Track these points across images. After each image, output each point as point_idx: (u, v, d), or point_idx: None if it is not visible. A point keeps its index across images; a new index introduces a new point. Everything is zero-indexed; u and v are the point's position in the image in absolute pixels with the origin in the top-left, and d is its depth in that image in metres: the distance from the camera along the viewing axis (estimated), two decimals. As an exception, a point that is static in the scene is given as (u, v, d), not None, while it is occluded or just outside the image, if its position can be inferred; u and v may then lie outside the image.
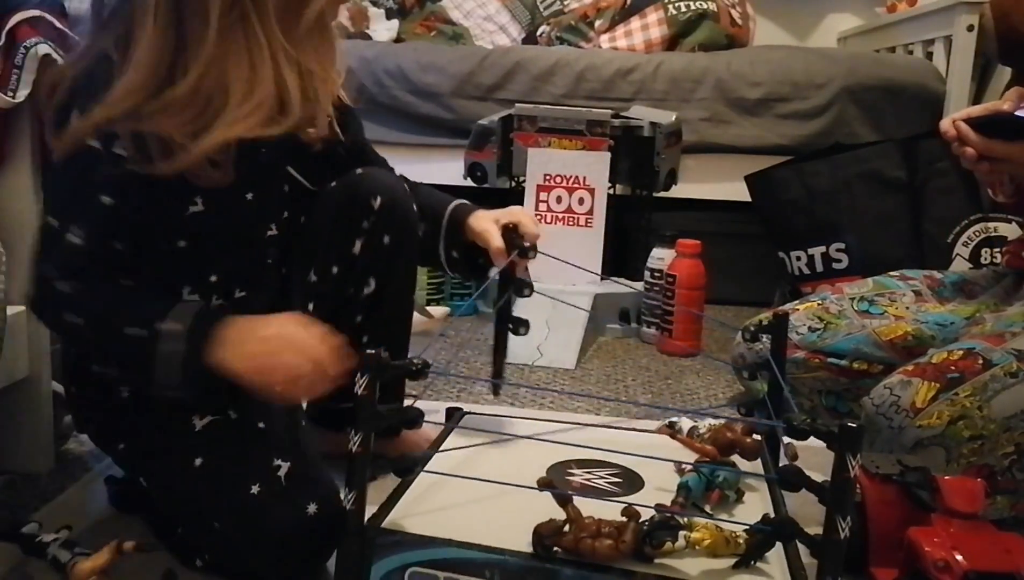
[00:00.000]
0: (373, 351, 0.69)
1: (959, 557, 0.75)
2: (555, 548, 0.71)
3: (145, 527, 0.95)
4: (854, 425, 0.63)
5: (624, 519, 0.72)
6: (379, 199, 1.02)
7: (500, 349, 1.09)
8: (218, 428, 0.87)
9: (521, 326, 1.05)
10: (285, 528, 0.80)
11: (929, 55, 2.38)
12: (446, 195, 1.10)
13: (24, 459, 1.10)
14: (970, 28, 2.16)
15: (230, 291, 0.93)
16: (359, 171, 1.04)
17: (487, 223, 1.04)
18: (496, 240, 1.02)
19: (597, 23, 2.70)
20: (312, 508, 0.81)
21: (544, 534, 0.71)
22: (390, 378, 0.71)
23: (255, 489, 0.81)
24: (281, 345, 0.80)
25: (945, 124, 1.10)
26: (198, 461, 0.85)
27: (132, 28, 0.79)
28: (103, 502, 1.02)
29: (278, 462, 0.83)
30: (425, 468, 0.86)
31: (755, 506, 0.86)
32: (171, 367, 0.78)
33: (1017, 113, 1.02)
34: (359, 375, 0.69)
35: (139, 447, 0.91)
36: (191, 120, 0.79)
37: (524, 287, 1.02)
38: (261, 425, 0.88)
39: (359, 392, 0.69)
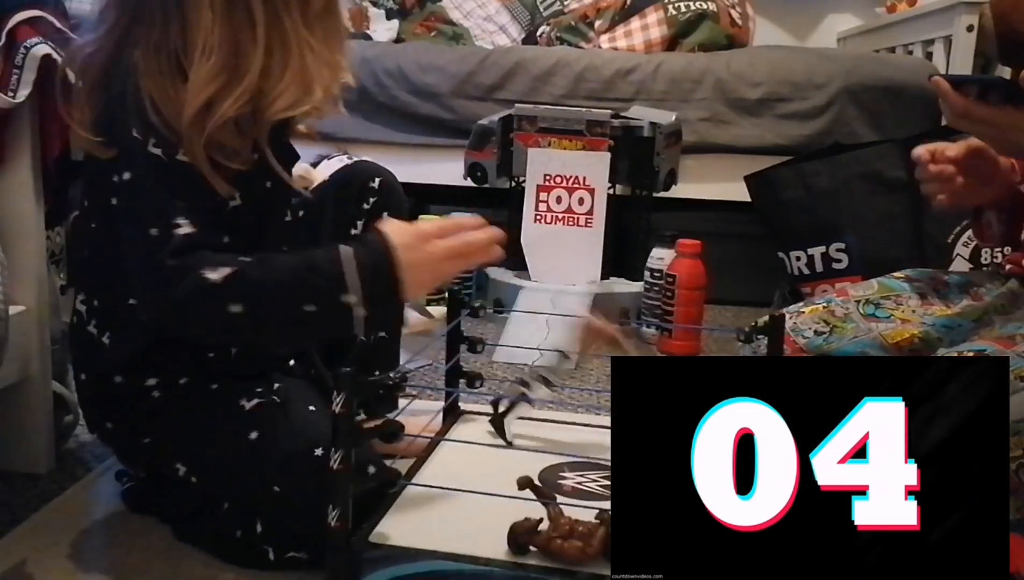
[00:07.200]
0: (348, 370, 0.70)
1: (959, 557, 0.74)
2: (529, 547, 0.72)
3: (156, 525, 0.96)
4: None
5: (597, 523, 0.72)
6: (378, 180, 1.12)
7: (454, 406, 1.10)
8: (267, 407, 0.91)
9: (476, 380, 1.07)
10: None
11: (929, 55, 2.38)
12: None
13: (24, 459, 1.10)
14: (970, 28, 2.16)
15: None
16: (351, 160, 1.09)
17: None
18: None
19: (597, 23, 2.70)
20: (372, 469, 0.83)
21: (518, 532, 0.72)
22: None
23: (318, 451, 0.83)
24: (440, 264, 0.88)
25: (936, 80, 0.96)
26: (252, 435, 0.88)
27: (185, 25, 0.84)
28: (104, 502, 1.02)
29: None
30: (415, 473, 0.87)
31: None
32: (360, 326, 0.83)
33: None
34: (335, 394, 0.71)
35: (175, 435, 0.93)
36: (251, 105, 0.86)
37: (476, 344, 1.06)
38: (312, 408, 0.91)
39: (336, 410, 0.71)
